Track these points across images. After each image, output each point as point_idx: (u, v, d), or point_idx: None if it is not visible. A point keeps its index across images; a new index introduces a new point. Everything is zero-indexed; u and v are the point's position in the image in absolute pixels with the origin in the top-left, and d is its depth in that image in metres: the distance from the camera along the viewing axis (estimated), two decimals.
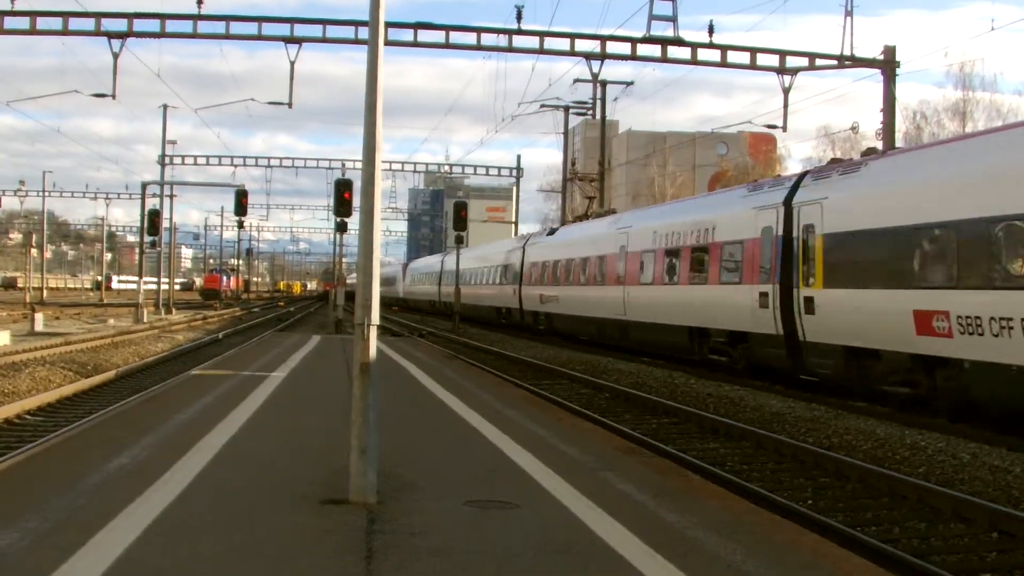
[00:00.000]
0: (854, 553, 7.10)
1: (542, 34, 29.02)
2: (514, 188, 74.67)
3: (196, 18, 28.08)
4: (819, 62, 29.06)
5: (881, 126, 28.21)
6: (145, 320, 42.17)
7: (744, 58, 29.06)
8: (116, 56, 27.98)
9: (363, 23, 26.76)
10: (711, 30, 28.32)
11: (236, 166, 63.56)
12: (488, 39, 29.04)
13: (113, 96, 30.28)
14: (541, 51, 29.26)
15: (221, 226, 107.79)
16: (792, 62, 28.95)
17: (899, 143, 35.07)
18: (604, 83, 43.45)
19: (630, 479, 8.79)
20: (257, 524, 6.77)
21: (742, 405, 17.31)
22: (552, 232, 40.25)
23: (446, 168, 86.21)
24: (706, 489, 8.89)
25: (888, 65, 28.32)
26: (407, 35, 28.82)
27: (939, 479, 11.27)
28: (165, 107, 54.93)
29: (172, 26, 28.23)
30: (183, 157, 62.62)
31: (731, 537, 6.79)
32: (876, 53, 28.76)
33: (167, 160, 57.91)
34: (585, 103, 48.94)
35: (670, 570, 5.94)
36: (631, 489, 8.35)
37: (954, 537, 9.05)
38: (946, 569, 7.80)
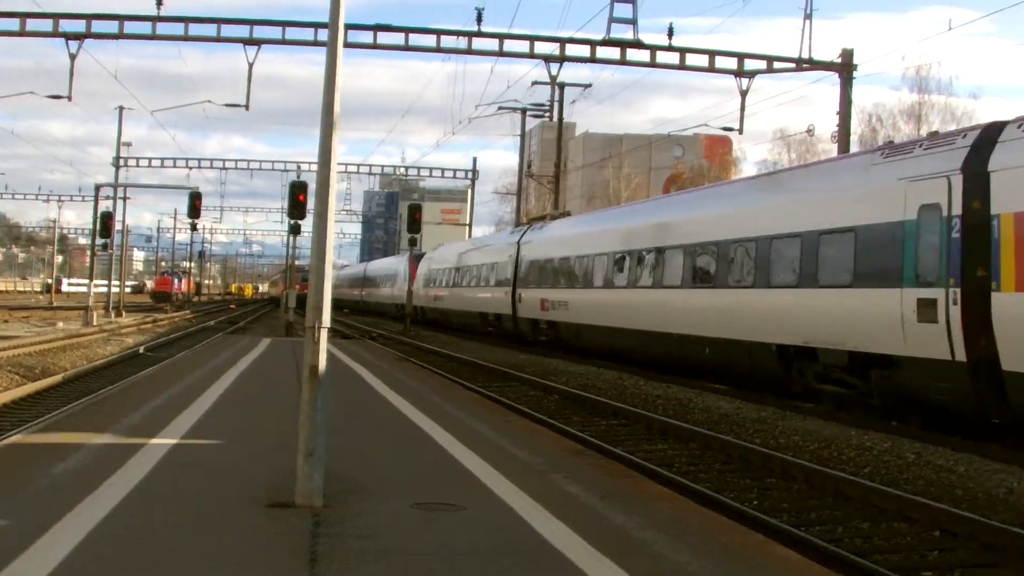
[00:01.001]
0: (798, 553, 7.18)
1: (502, 36, 28.97)
2: (469, 190, 74.58)
3: (155, 19, 27.71)
4: (777, 65, 29.24)
5: (837, 129, 28.51)
6: (95, 323, 41.54)
7: (703, 60, 29.12)
8: (73, 57, 27.53)
9: (323, 25, 26.55)
10: (671, 33, 28.31)
11: (191, 168, 62.78)
12: (448, 41, 28.95)
13: (69, 98, 29.89)
14: (501, 53, 29.16)
15: (174, 228, 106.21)
16: (750, 65, 29.07)
17: (855, 146, 35.38)
18: (562, 85, 43.59)
19: (578, 481, 8.82)
20: (201, 528, 6.69)
21: (691, 407, 17.43)
22: None
23: (402, 171, 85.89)
24: (654, 490, 8.93)
25: (845, 68, 28.52)
26: (367, 37, 28.65)
27: (884, 479, 11.43)
28: (121, 109, 54.13)
29: (131, 27, 27.83)
30: (138, 159, 61.84)
31: (678, 538, 6.84)
32: (834, 56, 29.01)
33: (122, 162, 57.18)
34: (543, 105, 49.03)
35: (616, 572, 5.96)
36: (579, 491, 8.38)
37: (897, 536, 9.19)
38: (888, 568, 7.91)
